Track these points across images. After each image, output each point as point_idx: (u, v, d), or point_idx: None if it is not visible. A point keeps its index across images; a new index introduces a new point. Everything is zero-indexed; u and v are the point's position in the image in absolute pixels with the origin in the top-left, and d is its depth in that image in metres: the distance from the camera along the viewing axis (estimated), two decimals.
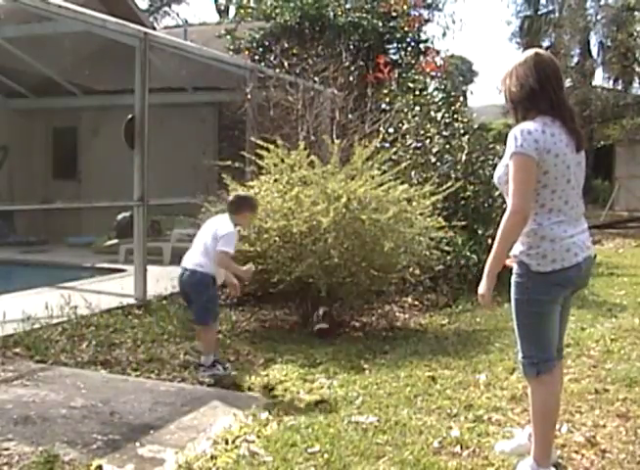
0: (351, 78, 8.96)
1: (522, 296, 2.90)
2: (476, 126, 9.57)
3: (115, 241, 9.38)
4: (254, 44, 12.22)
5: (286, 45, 10.14)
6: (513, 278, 2.95)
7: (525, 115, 2.88)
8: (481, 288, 2.93)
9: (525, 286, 2.89)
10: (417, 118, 8.61)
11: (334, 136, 7.26)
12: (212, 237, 4.45)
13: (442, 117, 8.87)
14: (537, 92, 2.85)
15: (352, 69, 9.33)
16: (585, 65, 23.79)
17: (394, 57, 12.82)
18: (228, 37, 12.81)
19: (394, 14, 12.92)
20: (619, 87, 24.25)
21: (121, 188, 7.14)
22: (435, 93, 10.67)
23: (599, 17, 23.16)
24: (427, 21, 15.93)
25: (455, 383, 4.28)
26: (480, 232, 7.46)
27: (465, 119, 9.20)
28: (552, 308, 2.91)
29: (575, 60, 24.25)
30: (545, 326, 2.92)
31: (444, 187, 6.33)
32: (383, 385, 4.22)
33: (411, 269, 6.01)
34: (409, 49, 13.08)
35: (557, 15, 24.61)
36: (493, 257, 2.88)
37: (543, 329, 2.92)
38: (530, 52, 2.95)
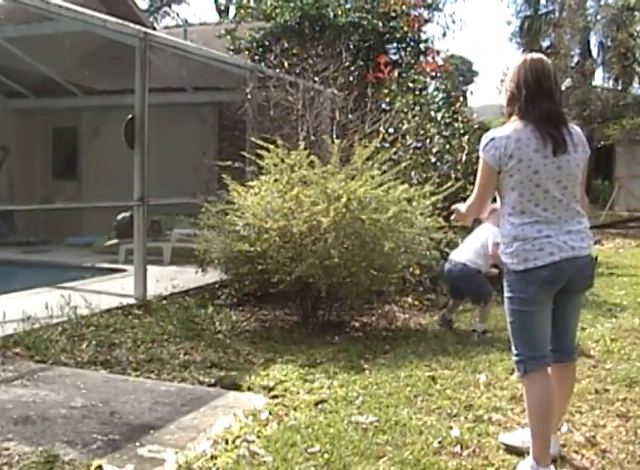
0: (351, 78, 8.95)
1: (506, 294, 3.03)
2: (476, 126, 9.57)
3: (115, 241, 9.37)
4: (254, 44, 12.21)
5: (286, 45, 10.15)
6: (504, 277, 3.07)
7: (508, 116, 3.01)
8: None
9: (507, 284, 3.01)
10: (417, 118, 8.60)
11: (334, 136, 7.26)
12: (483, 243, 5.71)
13: (442, 117, 8.88)
14: (515, 96, 2.95)
15: (352, 69, 9.32)
16: (585, 65, 23.77)
17: (394, 57, 12.80)
18: (228, 37, 12.80)
19: (394, 14, 12.90)
20: (619, 87, 24.23)
21: (121, 188, 7.14)
22: (436, 93, 10.68)
23: (599, 17, 23.13)
24: (427, 21, 15.90)
25: (455, 383, 4.28)
26: None
27: (465, 119, 9.20)
28: (535, 308, 2.94)
29: (575, 60, 24.23)
30: (529, 324, 2.97)
31: (444, 187, 6.33)
32: (383, 385, 4.22)
33: (411, 269, 6.02)
34: (409, 49, 13.06)
35: (557, 15, 24.57)
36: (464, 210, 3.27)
37: (527, 327, 2.98)
38: (520, 58, 3.03)
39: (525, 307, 2.95)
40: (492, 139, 2.94)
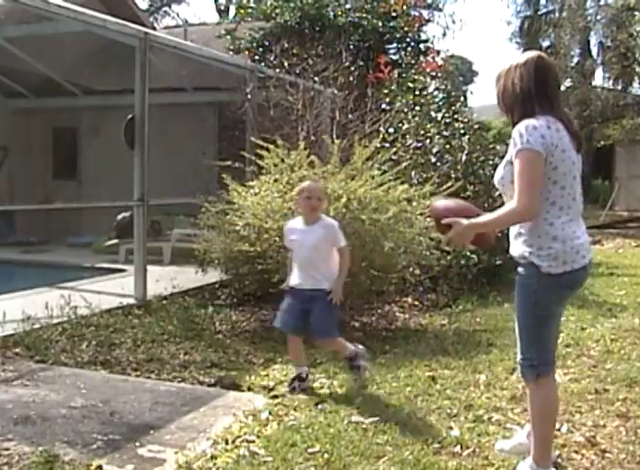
0: (351, 78, 8.95)
1: (529, 298, 2.86)
2: (476, 126, 9.57)
3: (115, 241, 9.38)
4: (254, 44, 12.22)
5: (286, 45, 10.13)
6: (519, 280, 2.89)
7: (522, 115, 2.82)
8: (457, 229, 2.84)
9: (533, 288, 2.84)
10: (417, 118, 8.60)
11: (334, 136, 7.26)
12: None
13: (442, 117, 8.86)
14: (539, 94, 2.82)
15: (352, 69, 9.32)
16: (585, 65, 23.78)
17: (394, 57, 12.79)
18: (228, 37, 12.80)
19: (394, 14, 12.90)
20: (619, 87, 24.23)
21: (121, 188, 7.14)
22: (436, 93, 10.67)
23: (599, 17, 23.13)
24: (427, 21, 15.88)
25: (455, 383, 4.28)
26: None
27: (465, 119, 9.19)
28: (557, 311, 2.93)
29: (575, 60, 24.24)
30: (548, 328, 2.92)
31: (444, 187, 6.32)
32: (383, 385, 4.22)
33: (411, 269, 6.01)
34: (409, 49, 13.06)
35: (557, 15, 24.57)
36: (483, 224, 2.84)
37: (546, 331, 2.92)
38: (532, 54, 2.92)
39: (550, 312, 2.87)
40: (535, 128, 2.72)
